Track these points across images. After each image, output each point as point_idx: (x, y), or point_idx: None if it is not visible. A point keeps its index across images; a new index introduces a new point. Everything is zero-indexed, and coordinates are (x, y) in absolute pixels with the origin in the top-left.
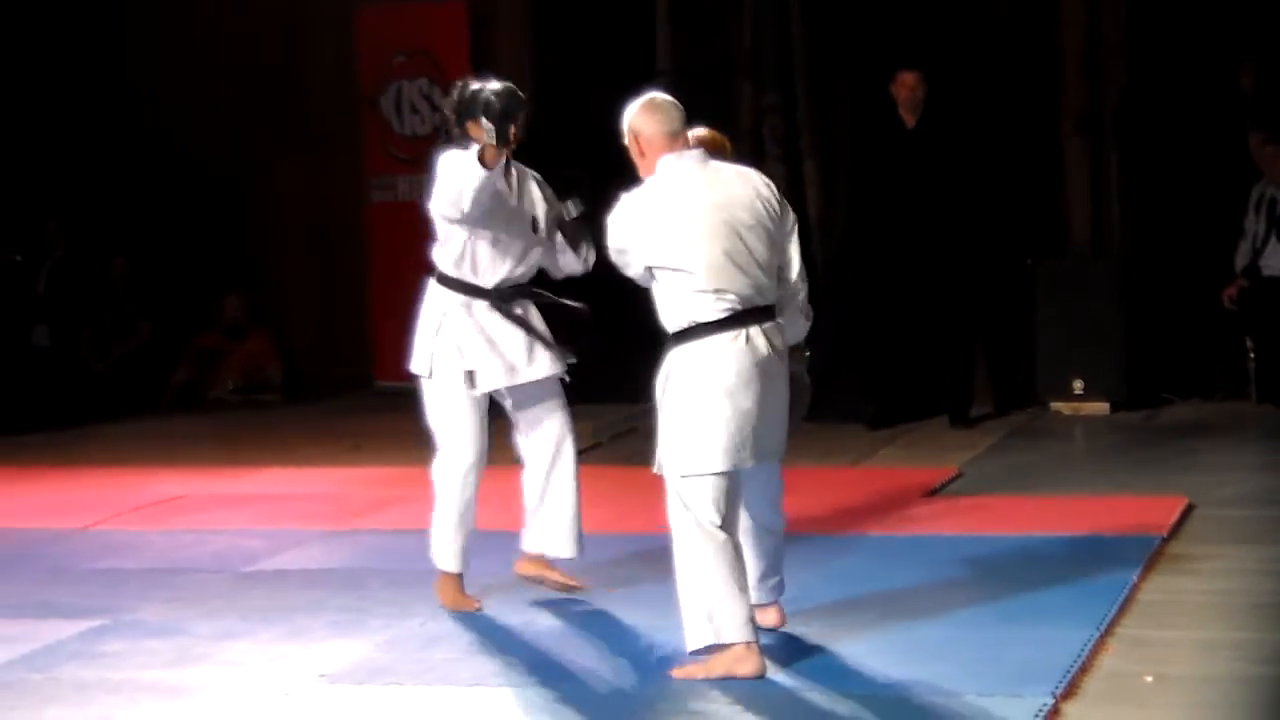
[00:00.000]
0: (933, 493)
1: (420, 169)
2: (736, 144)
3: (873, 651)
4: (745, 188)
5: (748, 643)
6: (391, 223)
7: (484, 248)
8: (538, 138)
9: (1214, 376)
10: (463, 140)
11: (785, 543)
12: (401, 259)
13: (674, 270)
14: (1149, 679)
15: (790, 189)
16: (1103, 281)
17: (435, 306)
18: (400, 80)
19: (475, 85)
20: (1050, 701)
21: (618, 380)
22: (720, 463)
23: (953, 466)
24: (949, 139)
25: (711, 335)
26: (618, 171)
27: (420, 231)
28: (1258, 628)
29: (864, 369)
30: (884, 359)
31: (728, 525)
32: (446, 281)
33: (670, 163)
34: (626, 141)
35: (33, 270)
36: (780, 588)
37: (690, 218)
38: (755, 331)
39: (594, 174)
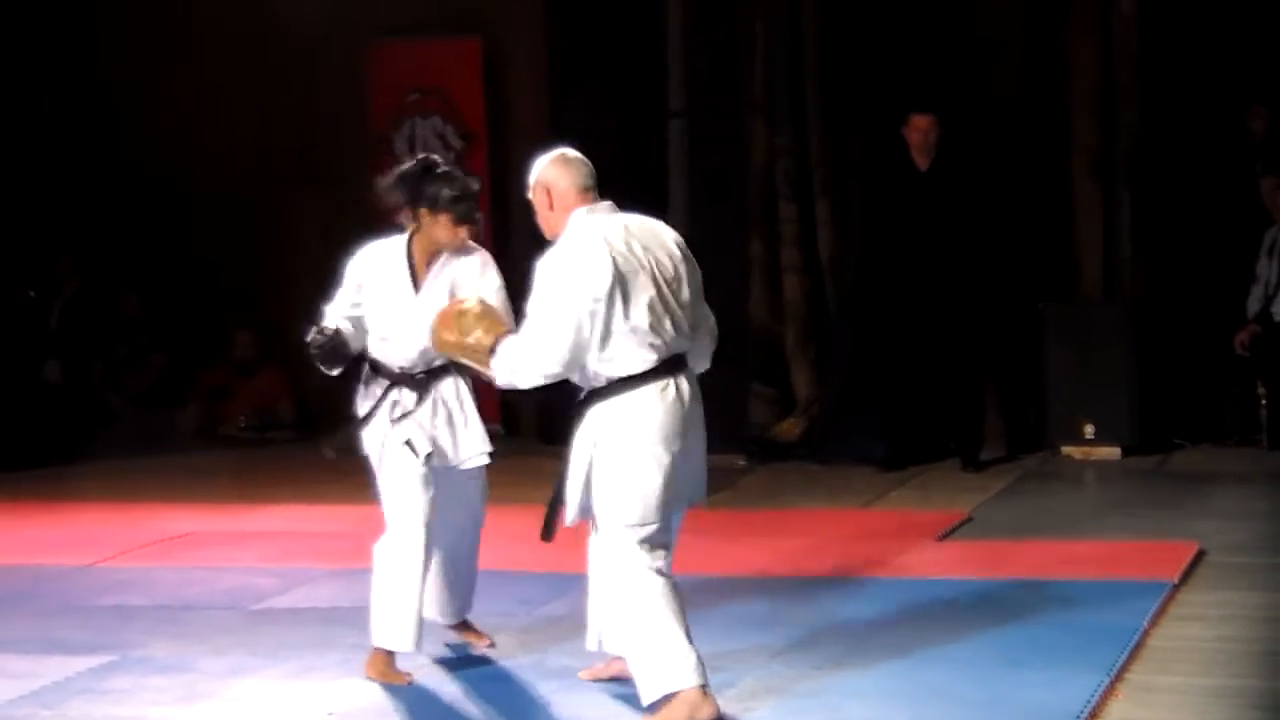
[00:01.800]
0: (943, 536)
1: None
2: (749, 185)
3: (881, 694)
4: (663, 239)
5: (701, 686)
6: None
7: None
8: None
9: (1225, 422)
10: (407, 220)
11: (791, 585)
12: None
13: (604, 324)
14: None
15: (802, 230)
16: (1114, 326)
17: (366, 380)
18: (414, 117)
19: (447, 173)
20: None
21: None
22: (662, 511)
23: (963, 510)
24: (961, 182)
25: (642, 386)
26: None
27: None
28: (1267, 675)
29: (875, 411)
30: (896, 401)
31: (665, 570)
32: (371, 361)
33: (583, 217)
34: (531, 195)
35: (45, 306)
36: None
37: (618, 270)
38: (681, 380)
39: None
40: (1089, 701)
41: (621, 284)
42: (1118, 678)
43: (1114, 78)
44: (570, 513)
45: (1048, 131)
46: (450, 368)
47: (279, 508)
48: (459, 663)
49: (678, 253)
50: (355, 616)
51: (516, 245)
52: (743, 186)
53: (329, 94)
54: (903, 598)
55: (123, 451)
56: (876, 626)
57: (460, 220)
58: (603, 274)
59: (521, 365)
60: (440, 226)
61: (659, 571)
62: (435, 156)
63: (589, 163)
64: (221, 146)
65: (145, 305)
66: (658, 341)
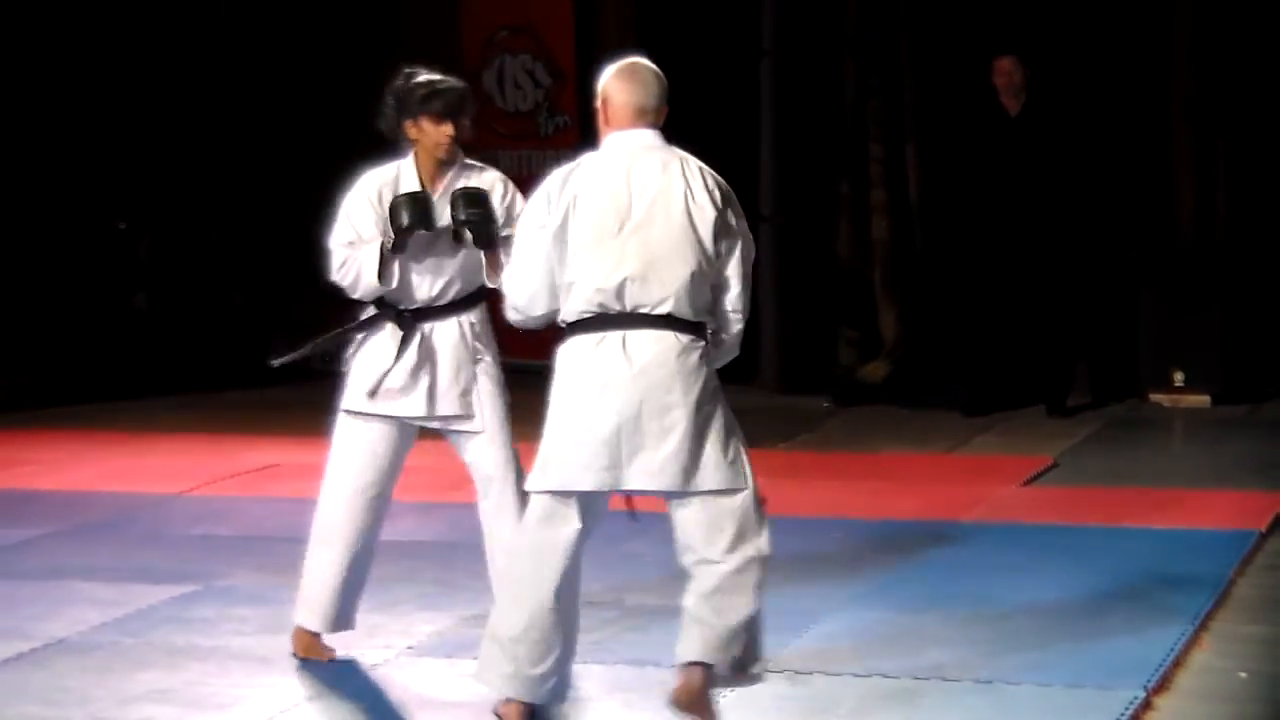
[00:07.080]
0: (1028, 481)
1: (522, 144)
2: (839, 125)
3: (961, 640)
4: (683, 186)
5: (507, 701)
6: None
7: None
8: None
9: None
10: (395, 134)
11: (874, 528)
12: None
13: (560, 258)
14: (1243, 675)
15: (890, 171)
16: (1207, 273)
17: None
18: (503, 55)
19: (422, 77)
20: (1142, 694)
21: None
22: (548, 482)
23: (1048, 456)
24: (1053, 126)
25: (575, 337)
26: (718, 154)
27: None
28: None
29: (961, 356)
30: (982, 346)
31: (568, 550)
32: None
33: (612, 141)
34: (597, 105)
35: (135, 236)
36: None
37: (593, 205)
38: (631, 336)
39: (701, 152)
40: (1173, 650)
41: (565, 226)
42: (1203, 626)
43: (1214, 23)
44: None
45: (1145, 78)
46: (471, 299)
47: None
48: None
49: (695, 212)
50: (437, 551)
51: None
52: (832, 126)
53: (419, 32)
54: (986, 543)
55: (207, 383)
56: (959, 571)
57: (439, 116)
58: (549, 213)
59: (512, 298)
60: (424, 131)
61: (554, 546)
62: (414, 69)
63: (662, 78)
64: (310, 81)
65: (229, 242)
66: (603, 292)
